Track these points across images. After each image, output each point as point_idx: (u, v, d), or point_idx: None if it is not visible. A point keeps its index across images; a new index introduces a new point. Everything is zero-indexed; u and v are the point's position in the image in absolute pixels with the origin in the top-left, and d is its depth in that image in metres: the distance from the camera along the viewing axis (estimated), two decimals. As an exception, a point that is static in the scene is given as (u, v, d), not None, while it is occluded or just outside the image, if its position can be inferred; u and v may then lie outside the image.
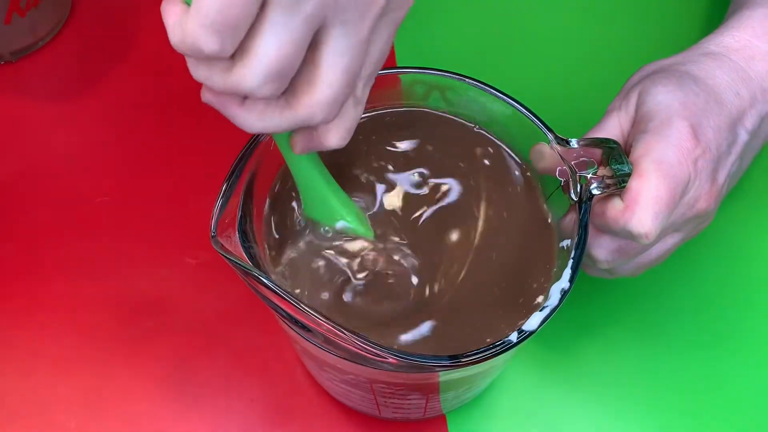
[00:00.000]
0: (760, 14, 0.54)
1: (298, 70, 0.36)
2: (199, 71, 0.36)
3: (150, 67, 0.71)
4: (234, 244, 0.42)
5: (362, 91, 0.40)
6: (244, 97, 0.37)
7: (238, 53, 0.35)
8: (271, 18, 0.34)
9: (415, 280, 0.46)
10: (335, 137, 0.40)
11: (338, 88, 0.37)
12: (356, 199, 0.48)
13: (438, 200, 0.49)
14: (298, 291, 0.46)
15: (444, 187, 0.49)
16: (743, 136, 0.51)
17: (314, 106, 0.37)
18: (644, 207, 0.45)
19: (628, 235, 0.46)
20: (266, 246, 0.47)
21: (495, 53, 0.71)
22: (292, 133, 0.42)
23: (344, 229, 0.47)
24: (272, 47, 0.34)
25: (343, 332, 0.39)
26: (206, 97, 0.38)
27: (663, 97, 0.49)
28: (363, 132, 0.50)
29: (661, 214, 0.45)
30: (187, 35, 0.34)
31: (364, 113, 0.50)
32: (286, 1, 0.34)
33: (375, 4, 0.36)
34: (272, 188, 0.48)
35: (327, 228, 0.47)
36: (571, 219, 0.45)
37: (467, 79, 0.48)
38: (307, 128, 0.41)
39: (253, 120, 0.38)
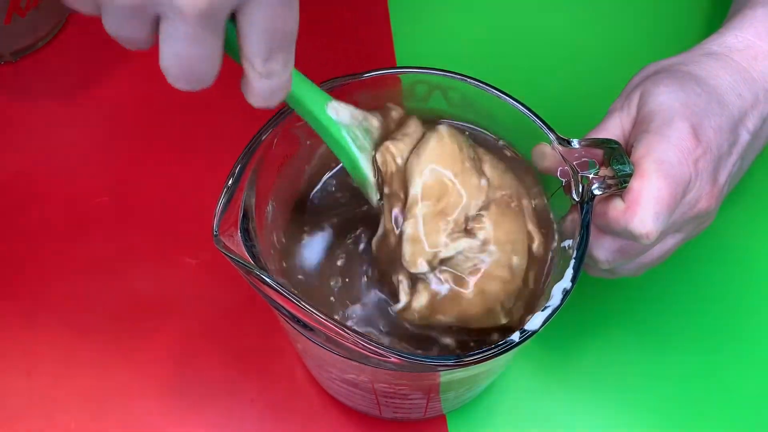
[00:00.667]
0: (762, 14, 0.54)
1: None
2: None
3: (150, 67, 0.70)
4: (236, 243, 0.42)
5: (263, 63, 0.41)
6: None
7: None
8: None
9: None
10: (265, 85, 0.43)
11: (177, 64, 0.42)
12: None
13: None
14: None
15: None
16: (745, 137, 0.51)
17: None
18: (645, 207, 0.45)
19: (629, 236, 0.46)
20: (270, 245, 0.47)
21: (496, 53, 0.71)
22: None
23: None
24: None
25: (345, 331, 0.39)
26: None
27: (664, 98, 0.49)
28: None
29: (662, 214, 0.45)
30: None
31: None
32: None
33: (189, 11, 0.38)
34: (274, 187, 0.48)
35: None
36: (573, 219, 0.45)
37: (469, 79, 0.48)
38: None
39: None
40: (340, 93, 0.47)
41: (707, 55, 0.53)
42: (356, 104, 0.49)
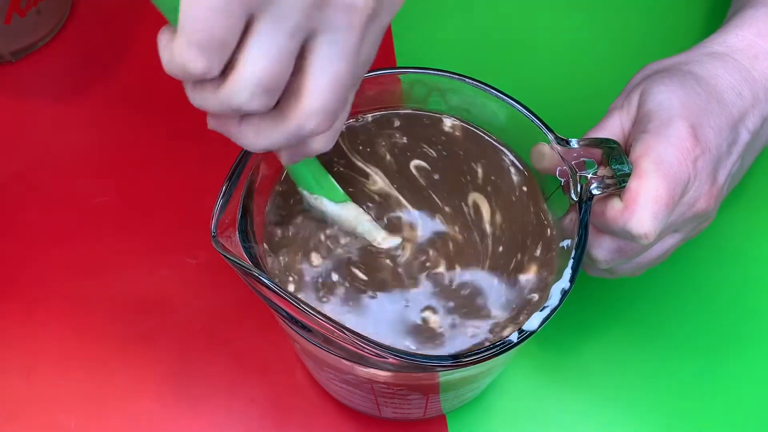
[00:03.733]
0: (764, 13, 0.54)
1: (289, 82, 0.36)
2: (194, 95, 0.37)
3: (150, 66, 0.71)
4: (234, 244, 0.42)
5: (352, 95, 0.40)
6: (242, 117, 0.38)
7: (227, 70, 0.35)
8: (257, 32, 0.34)
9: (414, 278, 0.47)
10: (321, 142, 0.40)
11: (328, 96, 0.36)
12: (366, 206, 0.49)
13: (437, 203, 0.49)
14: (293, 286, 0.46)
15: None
16: (745, 136, 0.51)
17: (302, 116, 0.37)
18: (643, 207, 0.45)
19: (627, 236, 0.46)
20: (266, 246, 0.47)
21: (496, 54, 0.71)
22: None
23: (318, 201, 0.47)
24: (258, 61, 0.34)
25: (343, 332, 0.39)
26: (210, 123, 0.39)
27: (664, 97, 0.49)
28: (362, 137, 0.50)
29: (660, 214, 0.45)
30: (175, 56, 0.34)
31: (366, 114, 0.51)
32: (271, 15, 0.34)
33: (362, 13, 0.36)
34: (273, 188, 0.48)
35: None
36: (572, 219, 0.45)
37: (468, 80, 0.47)
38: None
39: (251, 137, 0.38)
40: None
41: (708, 55, 0.53)
42: (356, 105, 0.49)
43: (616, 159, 0.46)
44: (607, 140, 0.47)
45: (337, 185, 0.47)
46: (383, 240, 0.47)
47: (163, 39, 0.35)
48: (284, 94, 0.37)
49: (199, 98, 0.37)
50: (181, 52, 0.34)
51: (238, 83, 0.35)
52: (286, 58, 0.35)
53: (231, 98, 0.35)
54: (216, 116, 0.38)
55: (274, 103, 0.37)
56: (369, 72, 0.48)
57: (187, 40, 0.33)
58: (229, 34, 0.33)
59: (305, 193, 0.46)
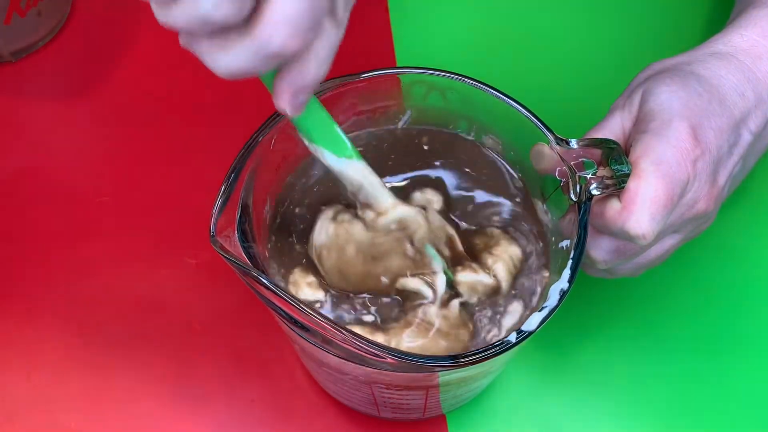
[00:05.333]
0: None
1: None
2: (159, 11, 0.34)
3: (150, 66, 0.71)
4: (233, 243, 0.42)
5: (342, 12, 0.38)
6: (211, 32, 0.35)
7: None
8: None
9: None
10: (313, 68, 0.37)
11: (294, 6, 0.34)
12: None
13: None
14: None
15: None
16: (746, 137, 0.51)
17: (267, 28, 0.34)
18: (641, 208, 0.45)
19: (625, 236, 0.46)
20: (266, 245, 0.47)
21: (496, 53, 0.71)
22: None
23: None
24: None
25: (341, 332, 0.39)
26: (181, 40, 0.36)
27: (665, 97, 0.49)
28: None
29: (658, 215, 0.45)
30: None
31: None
32: None
33: None
34: (272, 187, 0.48)
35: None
36: (571, 219, 0.45)
37: (467, 80, 0.47)
38: (284, 70, 0.38)
39: (219, 55, 0.36)
40: (339, 93, 0.47)
41: (711, 55, 0.52)
42: (356, 106, 0.49)
43: (616, 159, 0.46)
44: (607, 140, 0.47)
45: (345, 137, 0.44)
46: (392, 207, 0.45)
47: None
48: (255, 8, 0.34)
49: (164, 14, 0.34)
50: None
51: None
52: None
53: (195, 7, 0.33)
54: (185, 33, 0.36)
55: (245, 13, 0.34)
56: (369, 72, 0.48)
57: None
58: None
59: (305, 142, 0.44)
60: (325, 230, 0.46)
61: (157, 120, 0.68)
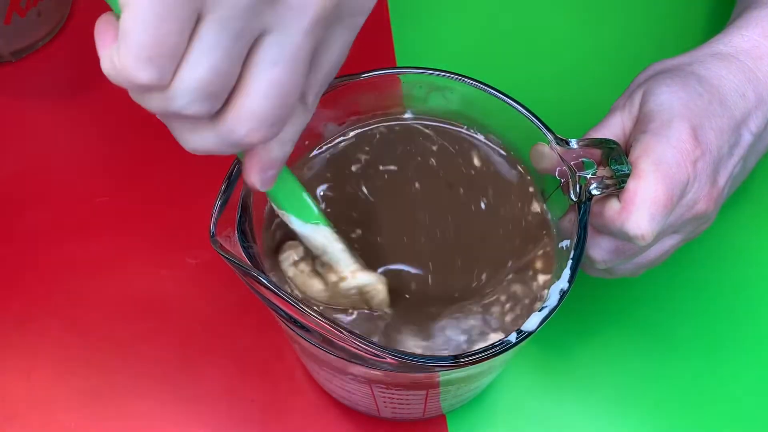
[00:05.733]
0: None
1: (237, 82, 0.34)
2: (134, 95, 0.35)
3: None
4: (233, 243, 0.42)
5: (313, 99, 0.38)
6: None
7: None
8: (201, 33, 0.32)
9: (413, 283, 0.47)
10: (277, 149, 0.38)
11: (262, 102, 0.34)
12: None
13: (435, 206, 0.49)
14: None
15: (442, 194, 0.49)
16: (747, 138, 0.51)
17: (234, 120, 0.35)
18: (641, 208, 0.45)
19: (624, 237, 0.46)
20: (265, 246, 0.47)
21: (496, 53, 0.71)
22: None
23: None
24: (199, 65, 0.32)
25: (341, 332, 0.39)
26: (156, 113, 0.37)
27: (665, 98, 0.49)
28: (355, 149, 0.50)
29: (657, 215, 0.45)
30: (120, 68, 0.32)
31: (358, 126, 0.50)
32: (217, 15, 0.32)
33: (314, 13, 0.34)
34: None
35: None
36: (571, 219, 0.45)
37: (467, 80, 0.47)
38: (251, 151, 0.38)
39: (187, 135, 0.37)
40: (339, 93, 0.47)
41: (712, 55, 0.52)
42: (356, 106, 0.49)
43: (616, 159, 0.46)
44: (607, 140, 0.47)
45: (311, 203, 0.44)
46: (352, 274, 0.44)
47: (104, 39, 0.34)
48: (230, 95, 0.35)
49: (138, 98, 0.35)
50: (127, 64, 0.32)
51: (178, 88, 0.33)
52: (230, 61, 0.33)
53: (169, 103, 0.34)
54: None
55: (216, 108, 0.35)
56: (369, 72, 0.48)
57: (134, 52, 0.31)
58: (178, 39, 0.32)
59: (274, 206, 0.45)
60: (285, 270, 0.46)
61: (157, 120, 0.68)
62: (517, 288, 0.46)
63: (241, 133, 0.35)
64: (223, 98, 0.34)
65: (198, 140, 0.37)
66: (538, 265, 0.47)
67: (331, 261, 0.45)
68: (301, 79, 0.35)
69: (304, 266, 0.45)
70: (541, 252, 0.47)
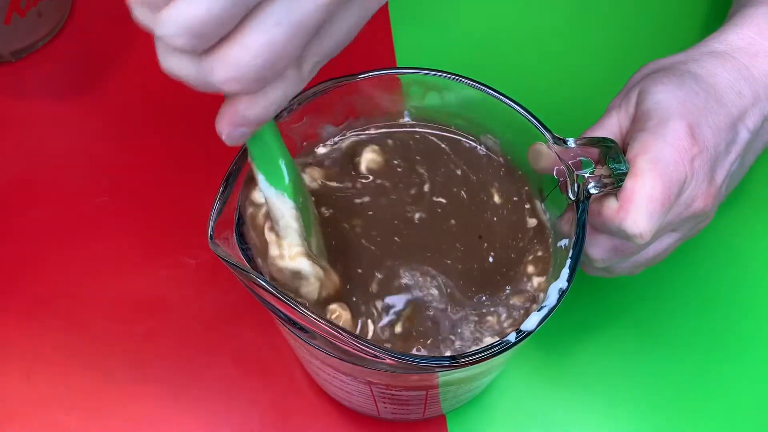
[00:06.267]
0: (765, 12, 0.54)
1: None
2: (139, 13, 0.35)
3: (150, 67, 0.70)
4: (231, 245, 0.42)
5: (309, 69, 0.38)
6: None
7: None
8: None
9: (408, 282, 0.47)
10: (259, 108, 0.37)
11: (259, 58, 0.34)
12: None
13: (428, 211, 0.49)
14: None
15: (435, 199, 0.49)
16: (744, 136, 0.51)
17: (215, 60, 0.34)
18: (639, 207, 0.45)
19: (623, 235, 0.46)
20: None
21: (496, 53, 0.71)
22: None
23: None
24: (196, 6, 0.32)
25: (340, 333, 0.39)
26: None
27: (662, 96, 0.49)
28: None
29: (655, 214, 0.45)
30: None
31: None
32: None
33: None
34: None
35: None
36: (569, 218, 0.45)
37: (464, 80, 0.47)
38: (231, 98, 0.37)
39: (167, 56, 0.35)
40: (338, 93, 0.47)
41: (708, 53, 0.52)
42: (354, 107, 0.49)
43: (614, 158, 0.46)
44: (605, 139, 0.46)
45: (285, 172, 0.43)
46: (291, 256, 0.43)
47: None
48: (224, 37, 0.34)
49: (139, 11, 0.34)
50: None
51: (168, 17, 0.33)
52: (232, 10, 0.33)
53: (155, 27, 0.33)
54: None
55: (201, 49, 0.34)
56: (368, 72, 0.48)
57: None
58: None
59: (249, 159, 0.43)
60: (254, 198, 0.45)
61: (156, 120, 0.68)
62: (514, 298, 0.47)
63: (219, 77, 0.34)
64: (211, 42, 0.34)
65: (175, 64, 0.35)
66: (531, 269, 0.47)
67: (281, 234, 0.44)
68: (298, 49, 0.35)
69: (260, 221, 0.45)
70: (532, 257, 0.47)
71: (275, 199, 0.43)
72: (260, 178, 0.43)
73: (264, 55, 0.34)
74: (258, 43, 0.34)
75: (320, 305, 0.45)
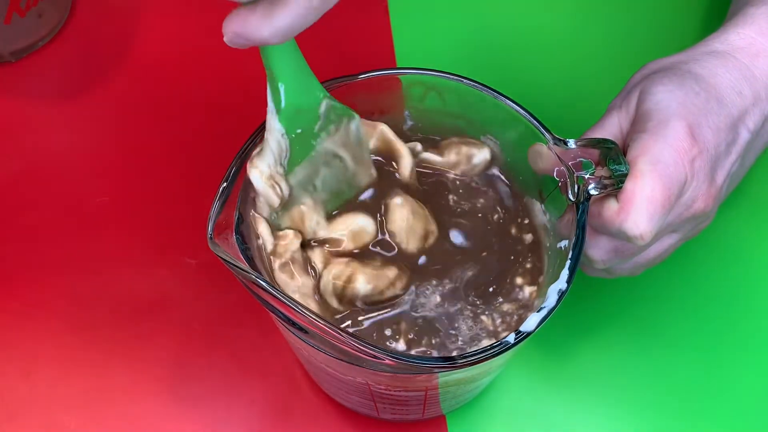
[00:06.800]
0: (765, 11, 0.54)
1: None
2: None
3: (150, 67, 0.71)
4: (231, 245, 0.42)
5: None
6: None
7: None
8: None
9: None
10: (267, 29, 0.39)
11: None
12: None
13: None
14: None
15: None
16: (744, 136, 0.51)
17: None
18: (639, 208, 0.45)
19: (623, 237, 0.46)
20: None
21: (494, 54, 0.71)
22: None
23: (329, 109, 0.45)
24: None
25: (339, 334, 0.39)
26: None
27: (662, 97, 0.49)
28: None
29: (656, 215, 0.45)
30: None
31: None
32: None
33: None
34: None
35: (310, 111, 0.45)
36: (569, 220, 0.45)
37: (464, 80, 0.47)
38: (241, 10, 0.39)
39: None
40: (338, 93, 0.47)
41: (708, 53, 0.52)
42: (354, 106, 0.49)
43: (614, 159, 0.46)
44: (605, 140, 0.47)
45: (283, 98, 0.44)
46: (249, 164, 0.44)
47: None
48: None
49: None
50: None
51: None
52: None
53: None
54: None
55: None
56: (369, 72, 0.48)
57: None
58: None
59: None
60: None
61: (156, 120, 0.68)
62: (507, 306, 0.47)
63: None
64: None
65: None
66: (519, 280, 0.47)
67: (263, 145, 0.45)
68: None
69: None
70: (526, 267, 0.48)
71: (269, 113, 0.44)
72: (270, 102, 0.44)
73: None
74: None
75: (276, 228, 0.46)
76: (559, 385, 0.58)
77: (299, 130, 0.45)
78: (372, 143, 0.49)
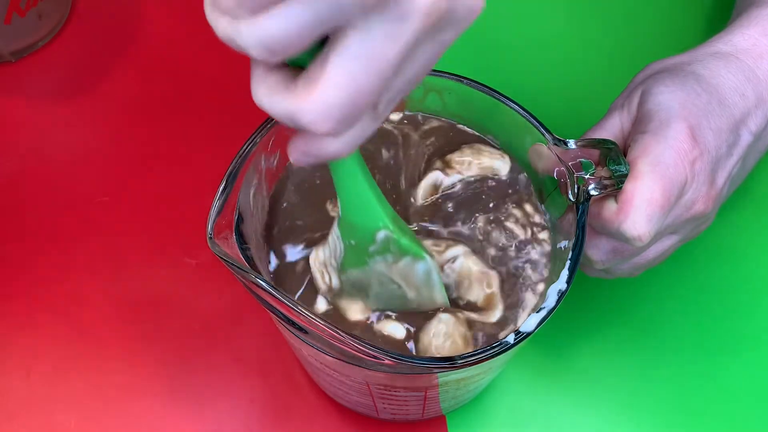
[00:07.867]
0: None
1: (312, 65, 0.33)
2: (218, 22, 0.34)
3: (150, 67, 0.71)
4: (231, 245, 0.42)
5: (384, 107, 0.36)
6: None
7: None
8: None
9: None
10: (334, 147, 0.36)
11: (340, 95, 0.32)
12: None
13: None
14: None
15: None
16: (746, 138, 0.50)
17: (302, 102, 0.33)
18: (638, 209, 0.45)
19: (622, 237, 0.46)
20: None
21: (494, 54, 0.71)
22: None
23: (389, 240, 0.43)
24: (274, 22, 0.31)
25: (339, 334, 0.39)
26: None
27: (664, 98, 0.48)
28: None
29: (655, 216, 0.45)
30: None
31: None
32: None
33: (418, 21, 0.32)
34: (270, 189, 0.48)
35: (367, 238, 0.44)
36: (569, 220, 0.45)
37: (464, 80, 0.47)
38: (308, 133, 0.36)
39: (260, 90, 0.35)
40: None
41: (712, 54, 0.52)
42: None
43: (614, 160, 0.46)
44: (605, 141, 0.46)
45: (340, 210, 0.43)
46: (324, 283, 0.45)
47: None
48: (311, 66, 0.33)
49: (222, 25, 0.34)
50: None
51: (246, 30, 0.32)
52: (302, 32, 0.31)
53: (239, 37, 0.33)
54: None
55: (277, 61, 0.33)
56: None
57: None
58: None
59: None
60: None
61: (156, 120, 0.68)
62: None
63: (307, 118, 0.33)
64: (285, 56, 0.33)
65: (268, 99, 0.35)
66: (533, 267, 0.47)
67: (331, 268, 0.46)
68: (379, 90, 0.34)
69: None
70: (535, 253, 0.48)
71: (334, 223, 0.44)
72: (335, 225, 0.44)
73: (345, 92, 0.33)
74: (340, 80, 0.32)
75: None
76: (559, 385, 0.58)
77: (353, 242, 0.44)
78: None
